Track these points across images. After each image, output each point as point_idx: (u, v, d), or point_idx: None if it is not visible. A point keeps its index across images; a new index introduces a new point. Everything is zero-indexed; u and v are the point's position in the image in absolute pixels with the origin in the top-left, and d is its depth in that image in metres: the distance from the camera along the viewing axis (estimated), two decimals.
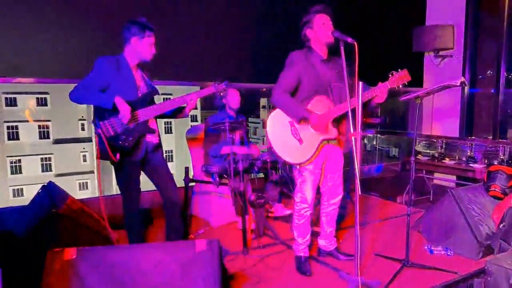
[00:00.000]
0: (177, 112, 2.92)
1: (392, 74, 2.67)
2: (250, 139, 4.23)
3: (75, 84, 2.59)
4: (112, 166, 2.72)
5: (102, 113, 2.56)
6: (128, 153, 2.62)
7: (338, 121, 2.78)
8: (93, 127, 2.61)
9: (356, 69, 2.28)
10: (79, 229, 2.80)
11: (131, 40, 2.64)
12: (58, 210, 2.76)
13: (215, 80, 2.91)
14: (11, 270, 2.45)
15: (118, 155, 2.58)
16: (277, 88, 2.70)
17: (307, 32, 2.72)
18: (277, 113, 2.72)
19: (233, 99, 3.79)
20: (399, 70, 2.67)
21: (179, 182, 3.27)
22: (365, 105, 2.70)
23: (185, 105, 2.81)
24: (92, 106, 2.61)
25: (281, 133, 2.69)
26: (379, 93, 2.66)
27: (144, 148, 2.70)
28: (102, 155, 2.60)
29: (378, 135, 6.93)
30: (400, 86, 2.68)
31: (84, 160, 25.94)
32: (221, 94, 2.93)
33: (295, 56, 2.72)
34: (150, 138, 2.75)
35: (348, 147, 2.83)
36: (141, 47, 2.65)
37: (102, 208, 2.63)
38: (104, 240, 2.88)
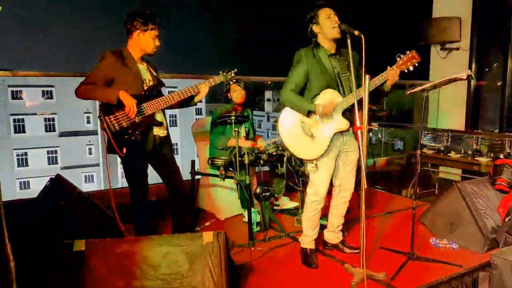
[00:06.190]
0: (185, 103, 2.90)
1: (400, 57, 2.67)
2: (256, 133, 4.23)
3: (80, 77, 2.59)
4: (119, 159, 2.73)
5: (108, 108, 2.55)
6: (136, 146, 2.62)
7: (350, 112, 2.77)
8: (98, 122, 2.61)
9: (363, 61, 2.29)
10: (88, 221, 2.83)
11: (134, 33, 2.62)
12: (66, 202, 2.79)
13: (223, 70, 2.92)
14: (20, 263, 2.48)
15: (124, 150, 2.58)
16: (285, 88, 2.71)
17: (313, 27, 2.72)
18: (287, 113, 2.74)
19: (236, 94, 3.79)
20: (407, 52, 2.66)
21: (185, 175, 3.28)
22: (374, 92, 2.70)
23: (195, 93, 2.80)
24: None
25: (293, 132, 2.72)
26: (388, 77, 2.67)
27: (152, 141, 2.70)
28: (110, 149, 2.61)
29: (384, 128, 6.91)
30: (410, 68, 2.68)
31: (90, 153, 26.09)
32: (231, 82, 2.90)
33: (302, 54, 2.71)
34: (158, 131, 2.75)
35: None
36: (144, 41, 2.63)
37: (112, 201, 2.64)
38: (112, 232, 2.90)
